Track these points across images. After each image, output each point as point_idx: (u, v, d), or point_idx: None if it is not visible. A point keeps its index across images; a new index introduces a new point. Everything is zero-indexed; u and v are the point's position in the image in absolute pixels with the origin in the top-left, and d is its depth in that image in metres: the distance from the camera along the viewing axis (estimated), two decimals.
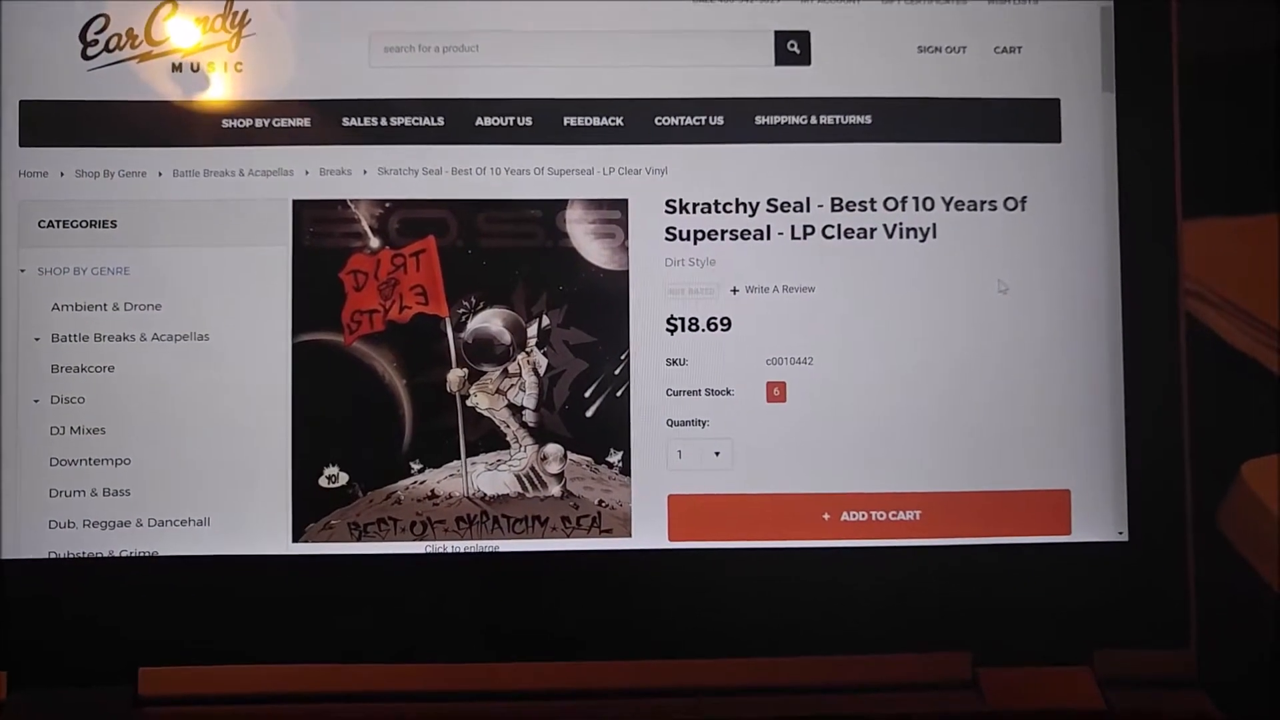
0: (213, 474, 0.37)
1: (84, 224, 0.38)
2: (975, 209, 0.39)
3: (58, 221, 0.38)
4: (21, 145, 0.38)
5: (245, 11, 0.38)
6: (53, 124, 0.38)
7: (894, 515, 0.38)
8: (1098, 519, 0.38)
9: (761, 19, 0.39)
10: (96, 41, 0.38)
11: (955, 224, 0.39)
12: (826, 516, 0.38)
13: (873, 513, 0.38)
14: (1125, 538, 0.38)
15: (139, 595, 0.37)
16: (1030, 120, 0.38)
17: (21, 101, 0.38)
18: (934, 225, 0.39)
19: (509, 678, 0.37)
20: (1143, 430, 0.38)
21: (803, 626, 0.38)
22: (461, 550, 0.38)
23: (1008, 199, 0.39)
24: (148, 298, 0.38)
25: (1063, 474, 0.38)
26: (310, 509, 0.38)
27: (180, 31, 0.38)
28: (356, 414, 0.38)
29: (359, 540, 0.38)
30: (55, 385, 0.37)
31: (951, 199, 0.39)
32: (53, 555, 0.37)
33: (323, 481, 0.38)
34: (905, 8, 0.39)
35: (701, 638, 0.38)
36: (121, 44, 0.38)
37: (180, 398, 0.38)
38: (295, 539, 0.37)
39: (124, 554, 0.37)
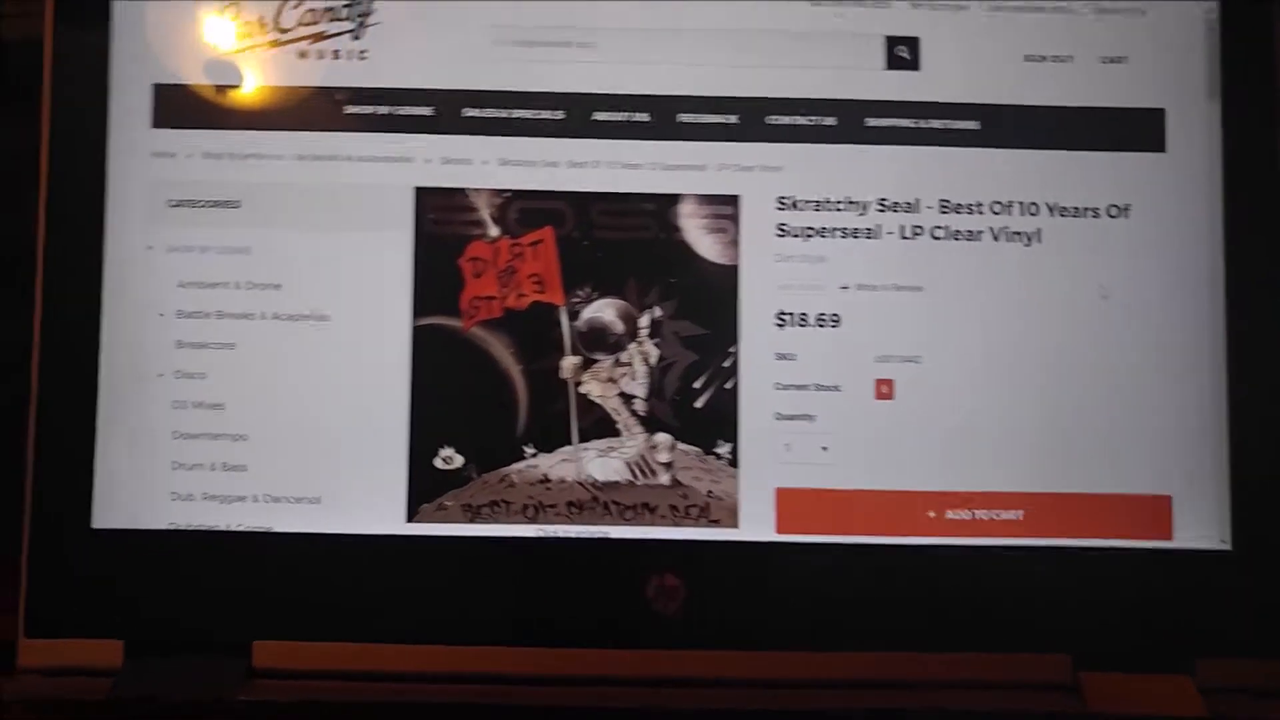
0: (329, 452, 0.38)
1: (209, 204, 0.39)
2: (1078, 215, 0.39)
3: (185, 201, 0.39)
4: (154, 127, 0.39)
5: (370, 1, 0.39)
6: (183, 107, 0.39)
7: (997, 514, 0.39)
8: (1200, 526, 0.39)
9: (873, 24, 0.40)
10: (228, 29, 0.39)
11: (1059, 229, 0.39)
12: (931, 514, 0.39)
13: (976, 511, 0.39)
14: (1228, 546, 0.38)
15: (254, 569, 0.38)
16: (1135, 129, 0.39)
17: (155, 85, 0.39)
18: (1039, 230, 0.39)
19: (617, 663, 0.38)
20: (1246, 438, 0.39)
21: (905, 622, 0.38)
22: (573, 535, 0.39)
23: (1111, 206, 0.39)
24: (268, 277, 0.39)
25: (1165, 479, 0.39)
26: (425, 489, 0.38)
27: (307, 20, 0.39)
28: (473, 397, 0.38)
29: (472, 522, 0.38)
30: (179, 360, 0.38)
31: (1056, 205, 0.39)
32: (173, 526, 0.38)
33: (438, 463, 0.38)
34: (1013, 17, 0.40)
35: (805, 630, 0.38)
36: (252, 31, 0.39)
37: (299, 376, 0.38)
38: (409, 519, 0.38)
39: (240, 528, 0.38)
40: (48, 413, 0.38)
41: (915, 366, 0.39)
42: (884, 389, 0.39)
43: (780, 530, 0.39)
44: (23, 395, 0.38)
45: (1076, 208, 0.39)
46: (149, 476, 0.38)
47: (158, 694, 0.36)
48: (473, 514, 0.38)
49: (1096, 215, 0.39)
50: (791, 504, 0.39)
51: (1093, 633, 0.38)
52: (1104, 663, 0.38)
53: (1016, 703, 0.37)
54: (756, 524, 0.39)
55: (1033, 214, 0.39)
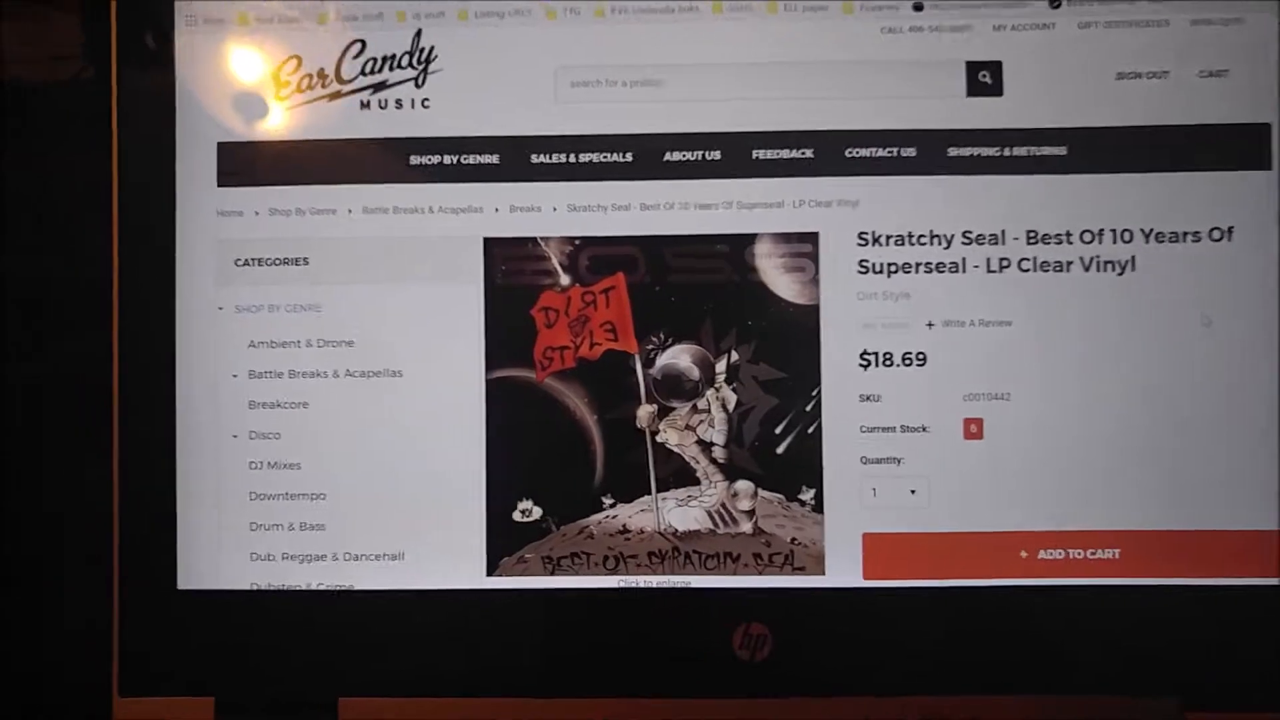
0: (407, 508, 0.38)
1: (277, 262, 0.38)
2: (1177, 240, 0.37)
3: (253, 260, 0.38)
4: (219, 185, 0.38)
5: (431, 48, 0.38)
6: (248, 164, 0.38)
7: (1092, 554, 0.38)
8: None
9: (953, 49, 0.38)
10: (289, 83, 0.39)
11: (1155, 256, 0.37)
12: (1024, 554, 0.38)
13: (1070, 551, 0.38)
14: None
15: (337, 626, 0.38)
16: (1237, 146, 0.37)
17: (219, 144, 0.38)
18: (1133, 258, 0.38)
19: (704, 713, 0.37)
20: None
21: (999, 666, 0.37)
22: (654, 585, 0.38)
23: (1213, 229, 0.37)
24: (340, 334, 0.38)
25: (1270, 514, 0.37)
26: (504, 543, 0.38)
27: (368, 70, 0.39)
28: (549, 449, 0.38)
29: (553, 574, 0.38)
30: (253, 421, 0.38)
31: (1151, 230, 0.37)
32: (255, 587, 0.38)
33: (516, 515, 0.38)
34: (1102, 33, 0.38)
35: (896, 676, 0.37)
36: (313, 84, 0.39)
37: (374, 433, 0.38)
38: (489, 573, 0.38)
39: (321, 586, 0.38)
40: (129, 477, 0.38)
41: (1005, 404, 0.38)
42: (973, 428, 0.38)
43: (868, 576, 0.38)
44: (105, 459, 0.38)
45: (1175, 232, 0.37)
46: (229, 537, 0.38)
47: None
48: (553, 566, 0.38)
49: (1197, 239, 0.37)
50: (879, 549, 0.38)
51: (1199, 673, 0.37)
52: (1213, 703, 0.37)
53: None
54: (843, 570, 0.38)
55: (1126, 241, 0.38)
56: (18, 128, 0.44)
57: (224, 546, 0.38)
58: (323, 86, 0.39)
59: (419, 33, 0.38)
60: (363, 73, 0.38)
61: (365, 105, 0.38)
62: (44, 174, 0.44)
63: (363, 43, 0.38)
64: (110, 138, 0.38)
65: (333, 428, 0.38)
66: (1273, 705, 0.36)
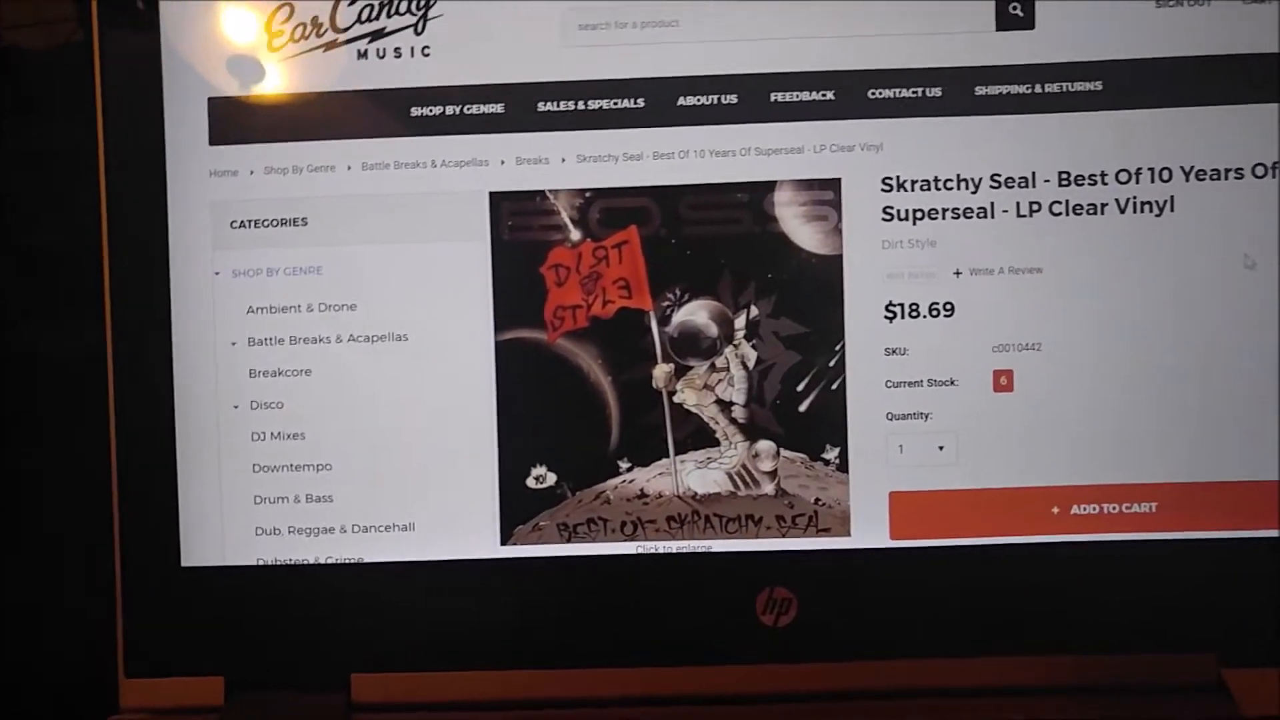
0: (416, 478, 0.36)
1: (275, 223, 0.37)
2: (1218, 178, 0.36)
3: (249, 221, 0.37)
4: (211, 144, 0.36)
5: None
6: (241, 120, 0.36)
7: (1127, 508, 0.36)
8: None
9: None
10: (282, 32, 0.36)
11: (1195, 195, 0.36)
12: (1056, 510, 0.36)
13: (1105, 505, 0.36)
14: None
15: (348, 601, 0.37)
16: None
17: (210, 99, 0.36)
18: (1171, 198, 0.36)
19: (729, 679, 0.36)
20: None
21: (1033, 625, 0.36)
22: (674, 550, 0.37)
23: (1256, 165, 0.36)
24: (342, 297, 0.37)
25: None
26: (518, 511, 0.36)
27: (365, 16, 0.37)
28: (563, 412, 0.36)
29: (569, 541, 0.37)
30: (254, 390, 0.37)
31: (1191, 168, 0.36)
32: (261, 562, 0.37)
33: (530, 482, 0.36)
34: None
35: (927, 637, 0.36)
36: (306, 33, 0.37)
37: (380, 400, 0.36)
38: (504, 542, 0.36)
39: (330, 560, 0.37)
40: (128, 453, 0.37)
41: (1036, 355, 0.36)
42: (1003, 380, 0.36)
43: (895, 536, 0.36)
44: (102, 434, 0.37)
45: (1216, 169, 0.36)
46: (233, 512, 0.37)
47: None
48: (569, 533, 0.37)
49: (1240, 176, 0.36)
50: (906, 508, 0.36)
51: (1237, 628, 0.36)
52: (1252, 659, 0.36)
53: (1164, 711, 0.35)
54: (869, 531, 0.36)
55: (1165, 180, 0.36)
56: (10, 96, 0.42)
57: (228, 521, 0.37)
58: (317, 36, 0.36)
59: None
60: (359, 20, 0.36)
61: (363, 55, 0.36)
62: (32, 141, 0.42)
63: None
64: (95, 97, 0.36)
65: (337, 395, 0.37)
66: None
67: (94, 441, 0.36)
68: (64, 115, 0.39)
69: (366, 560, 0.37)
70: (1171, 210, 0.36)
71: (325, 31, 0.36)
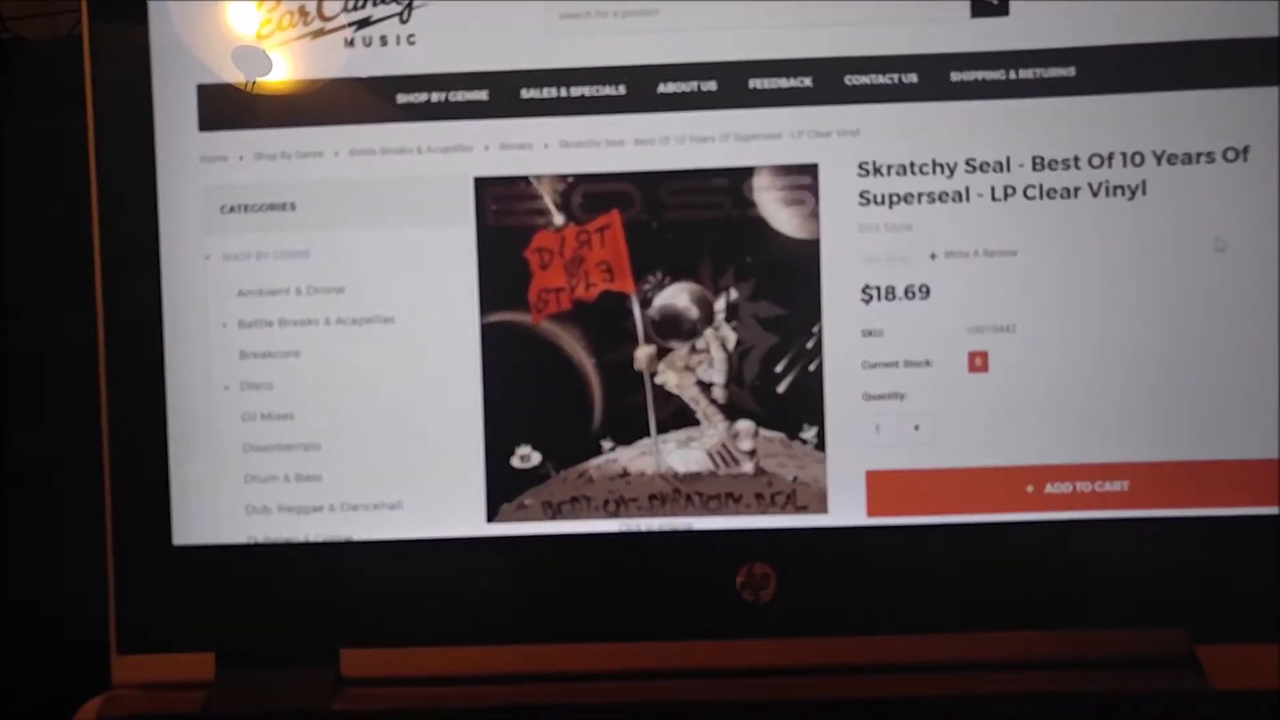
0: (404, 457, 0.37)
1: (264, 207, 0.37)
2: (1189, 162, 0.36)
3: (239, 206, 0.37)
4: (201, 130, 0.37)
5: None
6: (230, 107, 0.37)
7: (1100, 486, 0.37)
8: None
9: None
10: (270, 20, 0.37)
11: (1167, 179, 0.36)
12: (1030, 489, 0.37)
13: (1078, 484, 0.37)
14: None
15: (337, 578, 0.37)
16: (1253, 62, 0.36)
17: (199, 85, 0.37)
18: (1143, 182, 0.36)
19: (709, 654, 0.37)
20: None
21: (1008, 601, 0.37)
22: (655, 528, 0.37)
23: (1227, 149, 0.36)
24: (330, 281, 0.37)
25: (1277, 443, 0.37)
26: (504, 489, 0.37)
27: (351, 5, 0.37)
28: (547, 393, 0.37)
29: (553, 519, 0.37)
30: (244, 371, 0.37)
31: (1163, 153, 0.36)
32: (251, 540, 0.38)
33: (515, 461, 0.37)
34: None
35: (902, 613, 0.37)
36: (294, 21, 0.37)
37: (367, 381, 0.37)
38: (490, 519, 0.37)
39: (319, 539, 0.37)
40: (119, 432, 0.37)
41: (1010, 336, 0.37)
42: (978, 361, 0.37)
43: (872, 513, 0.37)
44: (94, 415, 0.37)
45: (1187, 154, 0.36)
46: (223, 491, 0.37)
47: (252, 706, 0.36)
48: (553, 511, 0.37)
49: (1211, 160, 0.36)
50: (883, 486, 0.37)
51: (1208, 604, 0.37)
52: (1222, 635, 0.36)
53: (1136, 684, 0.36)
54: (847, 509, 0.37)
55: (1136, 164, 0.36)
56: (14, 86, 0.43)
57: (219, 500, 0.37)
58: (304, 24, 0.37)
59: None
60: (345, 9, 0.37)
61: (349, 44, 0.37)
62: (25, 130, 0.43)
63: None
64: (84, 86, 0.37)
65: (325, 377, 0.37)
66: None
67: (86, 423, 0.37)
68: (60, 103, 0.39)
69: (355, 538, 0.37)
70: (1143, 194, 0.36)
71: (312, 20, 0.37)
